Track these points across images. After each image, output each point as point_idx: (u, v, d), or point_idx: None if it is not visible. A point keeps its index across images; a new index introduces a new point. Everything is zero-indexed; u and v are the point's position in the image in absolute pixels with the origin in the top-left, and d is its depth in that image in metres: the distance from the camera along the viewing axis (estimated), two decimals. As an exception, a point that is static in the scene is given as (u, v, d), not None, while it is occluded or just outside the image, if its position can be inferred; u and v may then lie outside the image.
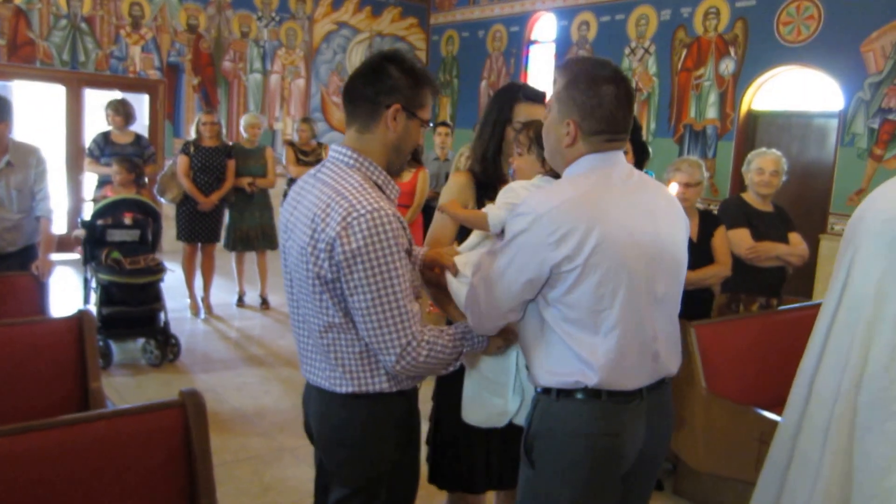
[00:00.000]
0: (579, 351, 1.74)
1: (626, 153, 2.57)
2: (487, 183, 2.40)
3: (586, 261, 1.69)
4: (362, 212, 1.76)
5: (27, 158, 4.06)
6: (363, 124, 1.91)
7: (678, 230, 1.89)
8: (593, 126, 1.78)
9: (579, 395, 1.78)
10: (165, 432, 2.23)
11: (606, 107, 1.77)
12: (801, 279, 6.39)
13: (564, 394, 1.79)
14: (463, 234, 2.31)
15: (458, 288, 2.04)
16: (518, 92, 2.40)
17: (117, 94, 9.41)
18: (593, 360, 1.74)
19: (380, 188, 1.89)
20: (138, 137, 6.48)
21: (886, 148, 6.60)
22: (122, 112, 6.33)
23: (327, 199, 1.81)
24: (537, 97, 2.39)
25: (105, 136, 6.32)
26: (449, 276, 2.07)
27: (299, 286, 1.91)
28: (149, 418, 2.24)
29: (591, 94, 1.76)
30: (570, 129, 1.80)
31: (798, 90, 7.43)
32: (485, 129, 2.41)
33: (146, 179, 6.08)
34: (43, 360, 3.01)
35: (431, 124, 1.99)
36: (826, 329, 2.02)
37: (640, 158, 3.05)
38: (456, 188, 2.42)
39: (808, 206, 6.90)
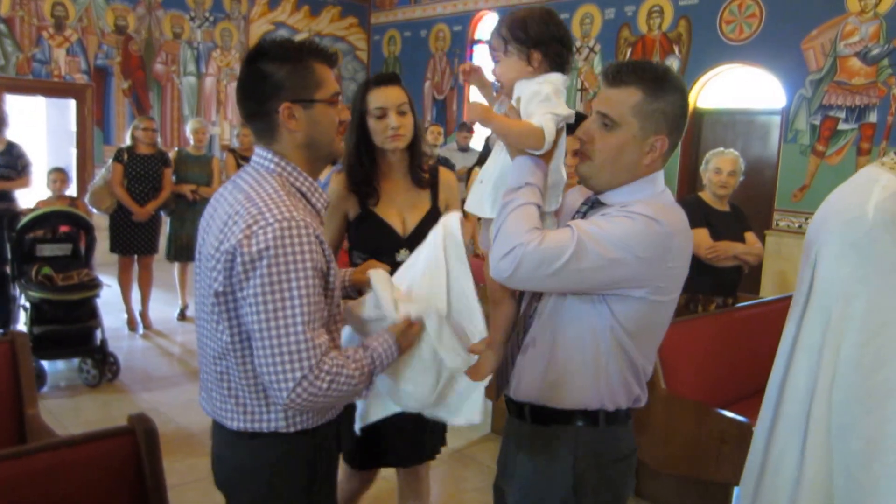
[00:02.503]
0: (642, 368, 1.72)
1: None
2: (360, 180, 2.40)
3: (672, 297, 1.67)
4: (270, 220, 1.55)
5: None
6: (267, 139, 1.71)
7: None
8: (675, 141, 1.66)
9: (623, 416, 1.74)
10: (115, 461, 2.10)
11: (686, 116, 1.67)
12: (749, 275, 6.50)
13: (612, 417, 1.71)
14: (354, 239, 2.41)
15: (362, 312, 1.86)
16: (369, 81, 2.40)
17: (41, 100, 9.01)
18: (645, 377, 1.73)
19: (304, 196, 1.71)
20: (11, 146, 5.55)
21: (828, 144, 6.78)
22: None
23: (237, 205, 1.61)
24: (387, 80, 2.37)
25: None
26: (355, 303, 1.88)
27: (200, 304, 1.70)
28: (96, 447, 2.09)
29: (679, 104, 1.64)
30: (659, 146, 1.64)
31: (741, 88, 7.58)
32: (349, 128, 2.35)
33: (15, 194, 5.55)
34: None
35: (336, 94, 1.72)
36: (795, 331, 2.07)
37: None
38: (335, 196, 2.40)
39: (753, 202, 7.00)
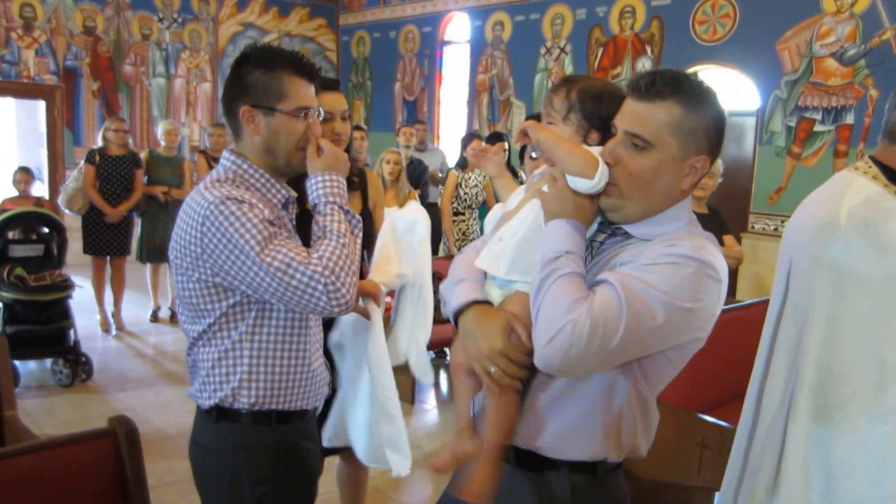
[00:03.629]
0: (654, 413, 1.59)
1: None
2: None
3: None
4: (209, 198, 1.65)
5: None
6: (235, 139, 1.81)
7: None
8: (714, 159, 1.47)
9: (618, 464, 1.58)
10: (96, 464, 2.07)
11: (724, 132, 1.46)
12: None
13: (615, 468, 1.57)
14: None
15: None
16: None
17: (10, 101, 8.92)
18: (656, 423, 1.62)
19: (260, 192, 1.76)
20: None
21: (804, 146, 6.70)
22: None
23: (189, 200, 1.72)
24: (334, 85, 2.41)
25: None
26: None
27: (179, 296, 1.81)
28: (77, 449, 2.06)
29: (721, 118, 1.44)
30: (700, 167, 1.43)
31: (716, 89, 7.57)
32: None
33: None
34: None
35: (302, 109, 1.71)
36: (771, 337, 2.03)
37: None
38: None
39: (729, 205, 6.89)
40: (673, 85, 1.39)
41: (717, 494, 3.26)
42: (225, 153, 1.81)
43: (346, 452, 2.72)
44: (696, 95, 1.40)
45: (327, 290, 1.60)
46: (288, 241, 1.65)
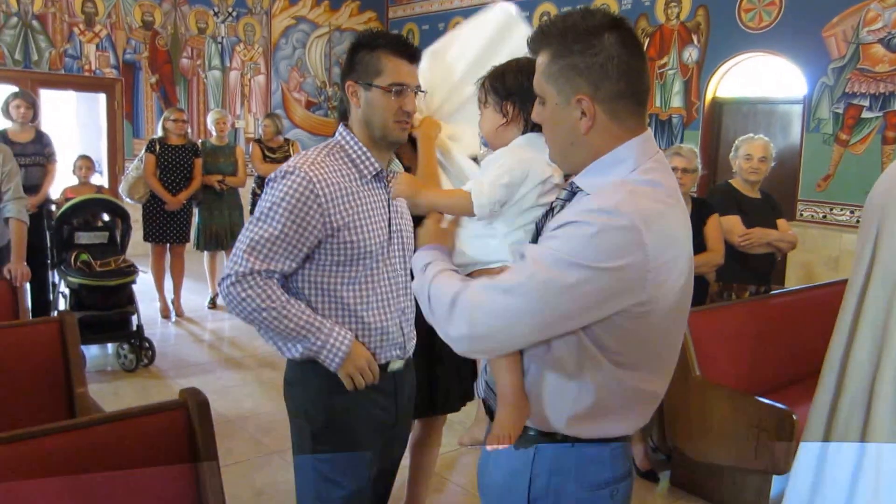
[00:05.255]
0: (634, 389, 1.44)
1: None
2: None
3: (667, 304, 1.35)
4: (284, 169, 1.89)
5: None
6: (349, 112, 2.01)
7: None
8: (614, 89, 1.32)
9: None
10: (169, 434, 2.16)
11: (619, 57, 1.31)
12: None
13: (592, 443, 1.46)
14: None
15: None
16: None
17: (72, 94, 9.18)
18: (643, 399, 1.49)
19: (353, 163, 1.97)
20: (40, 134, 5.59)
21: (852, 133, 6.62)
22: (32, 103, 5.59)
23: None
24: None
25: (3, 136, 5.37)
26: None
27: None
28: (151, 420, 2.16)
29: (593, 49, 1.31)
30: (586, 106, 1.33)
31: (762, 77, 7.50)
32: None
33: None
34: (24, 367, 2.91)
35: (396, 85, 1.91)
36: (855, 306, 1.98)
37: None
38: None
39: (776, 193, 6.86)
40: (542, 33, 1.38)
41: (774, 478, 3.26)
42: (339, 126, 2.02)
43: (425, 417, 2.91)
44: (561, 37, 1.35)
45: (232, 276, 1.87)
46: (284, 246, 1.86)
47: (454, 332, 1.36)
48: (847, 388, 1.97)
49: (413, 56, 1.95)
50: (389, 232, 2.01)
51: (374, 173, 1.98)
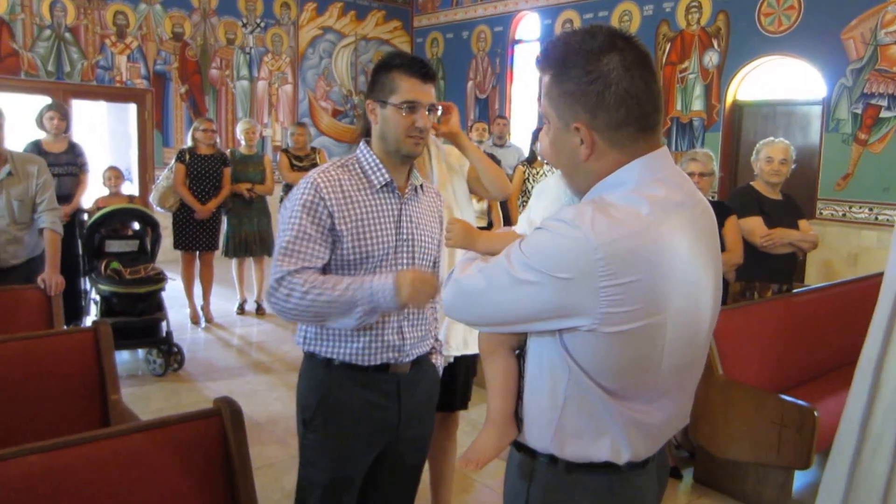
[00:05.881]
0: (622, 416, 1.40)
1: None
2: None
3: (636, 325, 1.29)
4: (300, 181, 2.07)
5: (28, 168, 3.99)
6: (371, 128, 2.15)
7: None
8: (610, 119, 1.29)
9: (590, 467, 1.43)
10: (204, 441, 2.20)
11: (618, 84, 1.27)
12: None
13: (572, 465, 1.42)
14: None
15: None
16: None
17: (102, 104, 9.36)
18: (631, 429, 1.42)
19: (365, 173, 2.09)
20: (72, 145, 5.77)
21: (871, 132, 6.74)
22: (65, 115, 5.75)
23: None
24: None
25: (36, 146, 5.54)
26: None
27: None
28: (186, 428, 2.20)
29: (590, 76, 1.28)
30: (583, 134, 1.31)
31: (781, 79, 7.56)
32: None
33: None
34: (59, 374, 2.95)
35: (406, 103, 2.03)
36: (890, 310, 1.98)
37: None
38: None
39: (796, 192, 6.94)
40: (545, 55, 1.35)
41: (796, 473, 3.30)
42: (361, 142, 2.15)
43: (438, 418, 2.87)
44: (561, 62, 1.32)
45: (273, 285, 1.98)
46: (307, 243, 1.98)
47: (444, 296, 1.47)
48: (881, 398, 1.96)
49: (426, 75, 2.05)
50: (396, 239, 2.09)
51: (383, 183, 2.08)
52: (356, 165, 2.10)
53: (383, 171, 2.08)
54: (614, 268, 1.22)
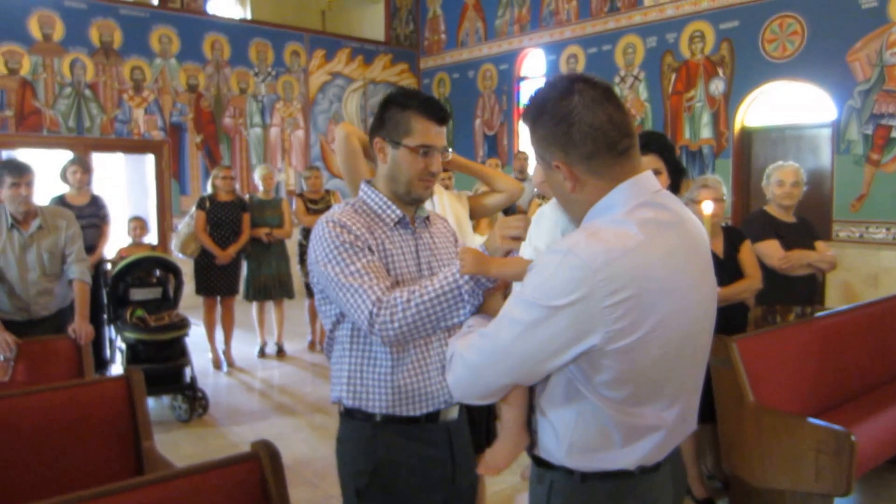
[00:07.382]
0: (636, 424, 1.48)
1: (659, 174, 2.60)
2: None
3: (644, 336, 1.38)
4: (321, 220, 1.93)
5: (57, 222, 4.12)
6: (374, 167, 2.05)
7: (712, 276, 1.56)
8: (580, 152, 1.42)
9: (606, 476, 1.51)
10: (243, 486, 2.19)
11: (581, 121, 1.41)
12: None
13: (588, 475, 1.51)
14: None
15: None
16: None
17: (120, 155, 9.55)
18: (644, 434, 1.50)
19: (376, 213, 1.98)
20: (94, 198, 5.96)
21: (883, 152, 6.75)
22: (88, 169, 5.95)
23: None
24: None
25: (61, 200, 5.72)
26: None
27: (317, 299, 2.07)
28: (225, 473, 2.19)
29: (556, 119, 1.43)
30: (564, 171, 1.45)
31: (789, 104, 7.59)
32: None
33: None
34: (92, 422, 2.97)
35: (423, 146, 1.94)
36: None
37: (676, 179, 2.84)
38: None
39: (810, 215, 6.89)
40: (524, 110, 1.53)
41: (836, 500, 3.19)
42: (362, 184, 2.05)
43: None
44: (534, 108, 1.49)
45: (370, 317, 1.78)
46: (371, 264, 1.84)
47: (448, 380, 1.55)
48: None
49: (443, 119, 1.97)
50: (418, 273, 1.99)
51: (396, 220, 1.99)
52: (364, 206, 2.00)
53: (394, 207, 1.99)
54: (615, 285, 1.31)
